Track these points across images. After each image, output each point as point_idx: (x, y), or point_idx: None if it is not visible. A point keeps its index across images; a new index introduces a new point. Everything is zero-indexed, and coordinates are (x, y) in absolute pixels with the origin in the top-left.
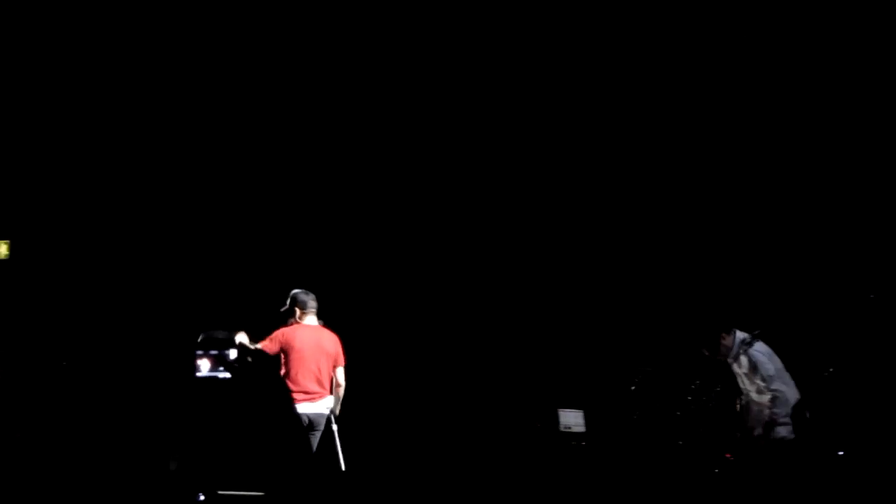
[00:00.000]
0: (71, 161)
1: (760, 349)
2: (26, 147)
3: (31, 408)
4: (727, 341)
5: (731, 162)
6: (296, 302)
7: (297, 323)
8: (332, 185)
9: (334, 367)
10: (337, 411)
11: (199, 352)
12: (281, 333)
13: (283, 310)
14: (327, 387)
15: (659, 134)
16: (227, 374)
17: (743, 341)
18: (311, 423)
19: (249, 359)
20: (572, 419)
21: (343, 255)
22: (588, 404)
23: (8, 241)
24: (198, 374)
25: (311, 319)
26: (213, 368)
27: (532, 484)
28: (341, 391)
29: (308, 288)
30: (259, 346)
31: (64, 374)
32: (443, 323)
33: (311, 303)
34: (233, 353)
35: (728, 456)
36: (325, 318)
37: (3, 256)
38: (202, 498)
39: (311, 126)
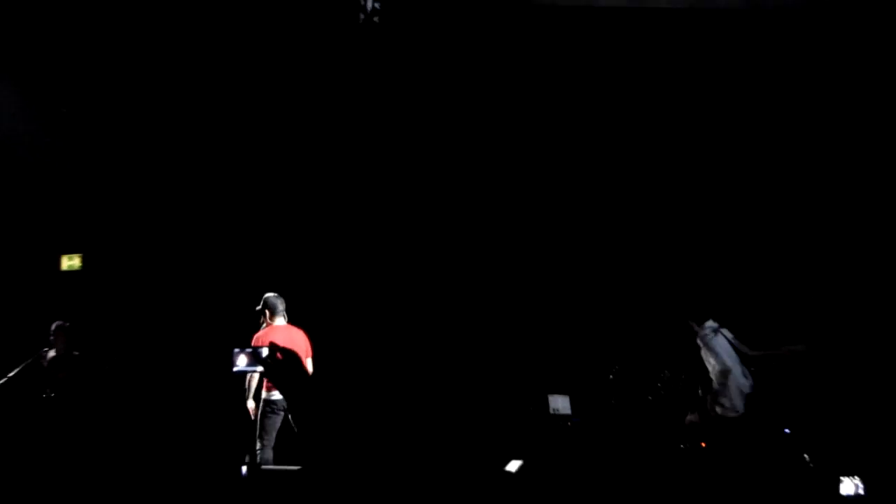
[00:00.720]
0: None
1: (717, 337)
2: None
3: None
4: (699, 328)
5: (702, 166)
6: (267, 305)
7: (269, 324)
8: (305, 186)
9: (305, 358)
10: None
11: (237, 349)
12: (259, 339)
13: (257, 309)
14: None
15: (640, 134)
16: (260, 369)
17: (711, 329)
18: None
19: (279, 355)
20: (560, 403)
21: (328, 242)
22: (573, 390)
23: (80, 255)
24: (235, 369)
25: (280, 320)
26: (250, 364)
27: (524, 460)
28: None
29: (291, 282)
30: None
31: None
32: (440, 320)
33: (281, 306)
34: (265, 351)
35: (703, 444)
36: (309, 312)
37: (76, 268)
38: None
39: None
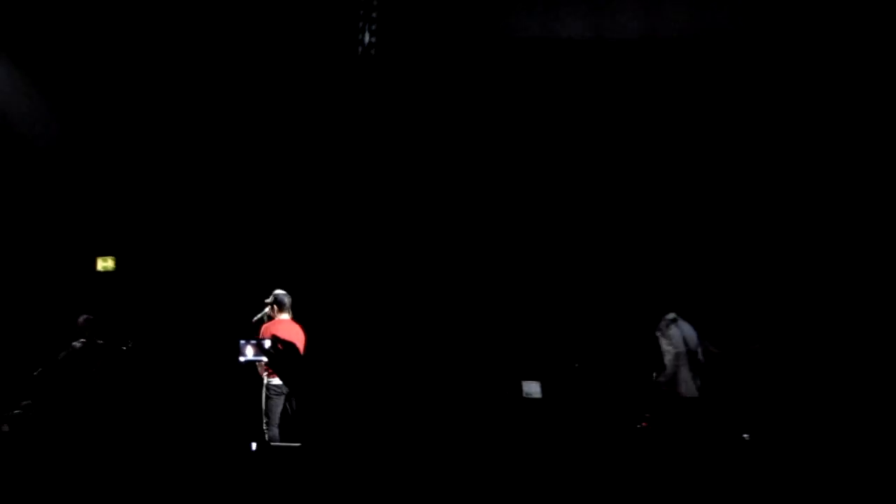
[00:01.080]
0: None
1: (671, 328)
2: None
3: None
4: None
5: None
6: (276, 301)
7: (277, 317)
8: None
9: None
10: None
11: (243, 341)
12: (270, 331)
13: (266, 301)
14: None
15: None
16: (264, 359)
17: (669, 320)
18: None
19: (280, 346)
20: (532, 388)
21: (324, 246)
22: (544, 377)
23: (114, 257)
24: (241, 359)
25: (285, 315)
26: (256, 354)
27: (499, 439)
28: None
29: (278, 284)
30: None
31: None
32: (425, 316)
33: (287, 302)
34: (268, 343)
35: (643, 424)
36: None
37: (110, 269)
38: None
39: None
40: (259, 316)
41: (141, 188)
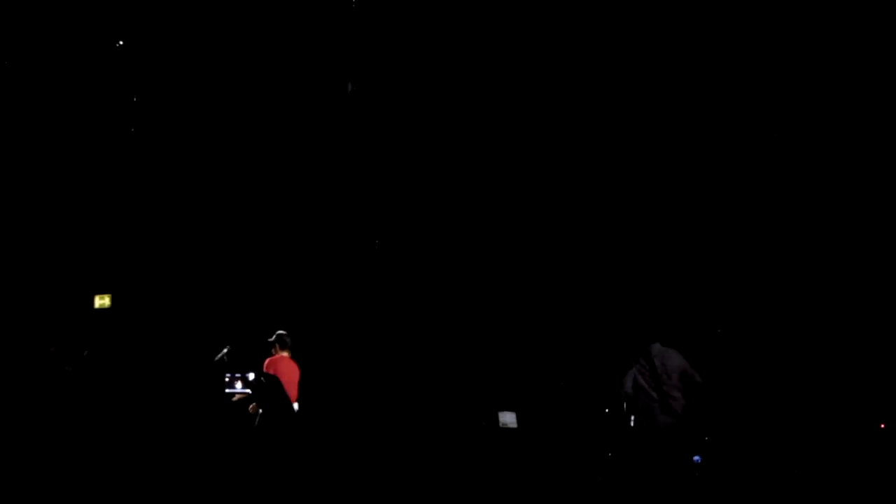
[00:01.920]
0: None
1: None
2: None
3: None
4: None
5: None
6: (279, 340)
7: (278, 354)
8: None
9: (296, 383)
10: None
11: (229, 374)
12: (272, 364)
13: (269, 340)
14: (295, 396)
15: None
16: (248, 390)
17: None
18: None
19: (263, 379)
20: (508, 418)
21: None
22: (519, 407)
23: (110, 294)
24: (227, 390)
25: (286, 353)
26: (243, 386)
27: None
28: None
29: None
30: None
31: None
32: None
33: (288, 342)
34: (251, 375)
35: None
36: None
37: (106, 306)
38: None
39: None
40: (219, 356)
41: (135, 232)
